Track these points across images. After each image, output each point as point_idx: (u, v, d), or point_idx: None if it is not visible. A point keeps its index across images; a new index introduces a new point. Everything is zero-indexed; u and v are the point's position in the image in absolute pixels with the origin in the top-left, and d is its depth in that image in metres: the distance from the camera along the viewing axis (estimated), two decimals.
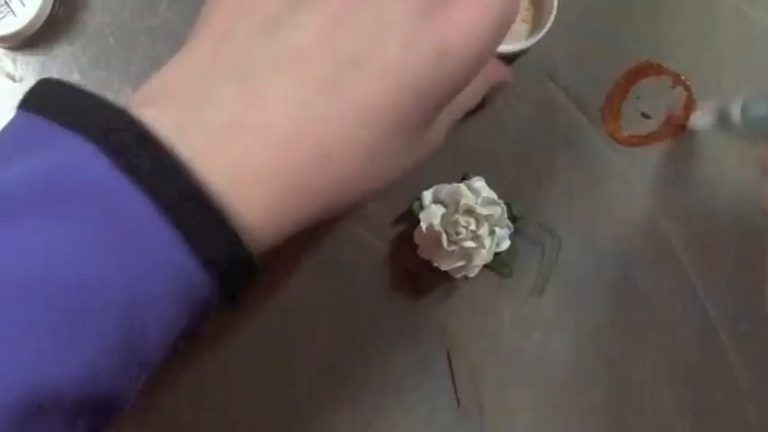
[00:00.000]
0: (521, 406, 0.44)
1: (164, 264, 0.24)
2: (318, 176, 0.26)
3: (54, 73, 0.42)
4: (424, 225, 0.41)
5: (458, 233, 0.40)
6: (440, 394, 0.43)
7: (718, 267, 0.45)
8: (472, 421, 0.44)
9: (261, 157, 0.26)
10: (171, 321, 0.25)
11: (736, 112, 0.38)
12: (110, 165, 0.24)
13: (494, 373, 0.44)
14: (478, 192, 0.42)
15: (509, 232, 0.43)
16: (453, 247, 0.40)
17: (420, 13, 0.27)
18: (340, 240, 0.43)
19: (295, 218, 0.27)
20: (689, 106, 0.45)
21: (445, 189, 0.42)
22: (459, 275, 0.42)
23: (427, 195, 0.42)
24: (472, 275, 0.42)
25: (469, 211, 0.41)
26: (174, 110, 0.26)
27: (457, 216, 0.41)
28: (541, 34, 0.42)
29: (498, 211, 0.41)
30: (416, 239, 0.42)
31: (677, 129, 0.45)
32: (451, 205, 0.41)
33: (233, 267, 0.26)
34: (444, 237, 0.40)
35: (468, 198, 0.41)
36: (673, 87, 0.45)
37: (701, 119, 0.43)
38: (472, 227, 0.40)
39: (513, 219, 0.43)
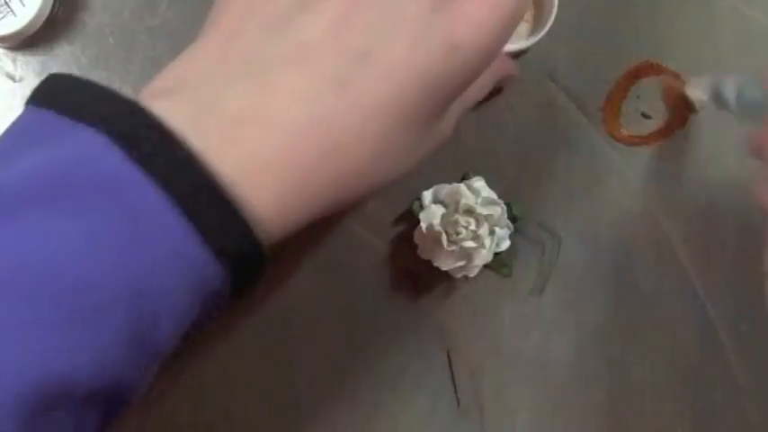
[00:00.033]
0: (521, 406, 0.44)
1: (176, 255, 0.24)
2: (327, 170, 0.27)
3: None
4: (424, 225, 0.41)
5: (458, 233, 0.40)
6: (440, 394, 0.43)
7: (718, 267, 0.46)
8: (472, 421, 0.44)
9: (271, 149, 0.26)
10: (182, 313, 0.25)
11: (730, 94, 0.38)
12: (122, 157, 0.24)
13: (494, 373, 0.44)
14: (478, 192, 0.42)
15: (509, 232, 0.43)
16: (453, 247, 0.40)
17: (431, 7, 0.27)
18: (340, 240, 0.43)
19: (304, 210, 0.27)
20: (686, 105, 0.45)
21: (445, 189, 0.42)
22: (459, 275, 0.42)
23: (427, 195, 0.42)
24: (472, 275, 0.42)
25: (469, 211, 0.41)
26: (186, 103, 0.26)
27: (457, 216, 0.41)
28: (542, 34, 0.42)
29: (498, 211, 0.41)
30: (416, 239, 0.42)
31: (676, 126, 0.45)
32: (451, 205, 0.41)
33: (245, 259, 0.26)
34: (444, 237, 0.40)
35: (468, 198, 0.41)
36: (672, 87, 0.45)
37: (694, 90, 0.43)
38: (472, 227, 0.40)
39: (513, 219, 0.43)
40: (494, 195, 0.42)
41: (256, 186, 0.26)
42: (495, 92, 0.44)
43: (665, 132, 0.45)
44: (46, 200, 0.24)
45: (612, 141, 0.45)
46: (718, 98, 0.39)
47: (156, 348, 0.25)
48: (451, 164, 0.44)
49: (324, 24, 0.27)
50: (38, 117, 0.26)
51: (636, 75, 0.45)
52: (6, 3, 0.39)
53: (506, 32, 0.28)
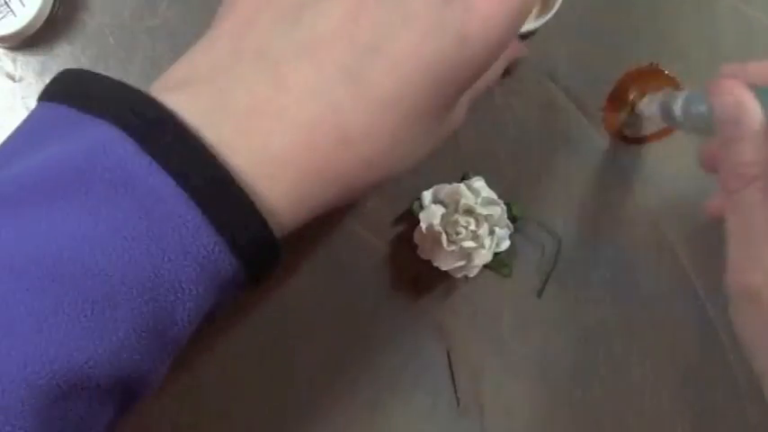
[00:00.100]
0: (521, 405, 0.44)
1: (191, 246, 0.25)
2: (338, 161, 0.27)
3: (54, 73, 0.42)
4: (424, 225, 0.41)
5: (458, 233, 0.40)
6: (439, 394, 0.43)
7: (718, 267, 0.45)
8: (472, 420, 0.44)
9: (282, 141, 0.26)
10: (197, 303, 0.26)
11: (678, 109, 0.38)
12: (136, 149, 0.24)
13: (494, 372, 0.44)
14: (478, 192, 0.42)
15: (509, 232, 0.43)
16: (453, 247, 0.40)
17: (442, 1, 0.27)
18: (340, 240, 0.43)
19: (316, 200, 0.28)
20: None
21: (445, 189, 0.42)
22: (459, 275, 0.42)
23: (427, 195, 0.42)
24: (472, 275, 0.42)
25: (469, 211, 0.41)
26: (200, 96, 0.26)
27: (457, 216, 0.41)
28: (550, 15, 0.42)
29: (498, 211, 0.41)
30: (416, 239, 0.42)
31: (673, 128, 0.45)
32: (451, 205, 0.41)
33: (258, 249, 0.26)
34: (444, 237, 0.40)
35: (467, 198, 0.41)
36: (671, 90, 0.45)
37: (646, 107, 0.43)
38: (472, 227, 0.41)
39: (513, 219, 0.43)
40: (494, 195, 0.42)
41: (269, 178, 0.26)
42: (504, 73, 0.44)
43: (665, 132, 0.45)
44: (61, 192, 0.24)
45: (613, 141, 0.45)
46: (666, 114, 0.39)
47: (171, 339, 0.26)
48: (451, 164, 0.44)
49: (335, 18, 0.27)
50: (51, 112, 0.26)
51: (637, 77, 0.45)
52: (6, 3, 0.39)
53: (516, 24, 0.28)
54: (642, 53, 0.46)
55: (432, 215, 0.41)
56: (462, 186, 0.41)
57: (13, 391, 0.22)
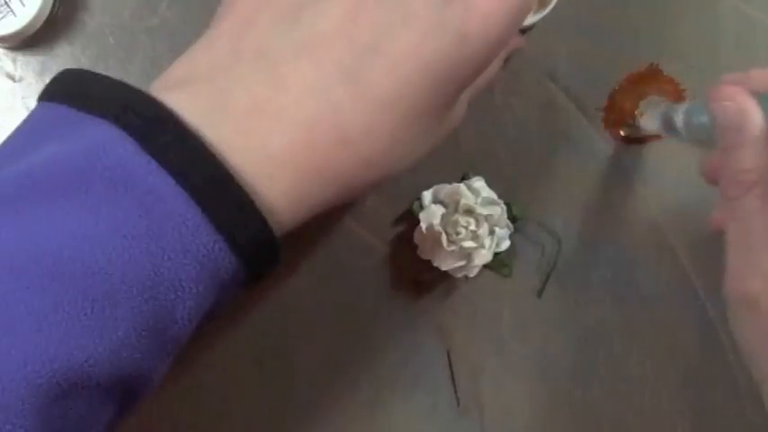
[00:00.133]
0: (521, 405, 0.44)
1: (191, 245, 0.25)
2: (337, 161, 0.27)
3: (54, 73, 0.42)
4: (424, 225, 0.41)
5: (458, 233, 0.40)
6: (440, 394, 0.43)
7: (718, 267, 0.45)
8: (472, 420, 0.44)
9: (282, 140, 0.26)
10: (197, 302, 0.26)
11: (678, 118, 0.38)
12: (136, 148, 0.24)
13: (494, 372, 0.44)
14: (478, 192, 0.42)
15: (509, 232, 0.43)
16: (453, 247, 0.40)
17: (442, 0, 0.27)
18: (340, 240, 0.43)
19: (315, 199, 0.28)
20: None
21: (445, 189, 0.42)
22: (459, 275, 0.42)
23: (427, 195, 0.42)
24: (472, 275, 0.42)
25: (469, 211, 0.41)
26: (199, 95, 0.27)
27: (457, 216, 0.41)
28: (548, 10, 0.42)
29: (498, 211, 0.41)
30: (416, 239, 0.42)
31: None
32: (451, 205, 0.41)
33: (258, 248, 0.26)
34: (444, 237, 0.40)
35: (467, 198, 0.41)
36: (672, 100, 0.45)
37: (647, 122, 0.43)
38: (472, 227, 0.41)
39: (513, 219, 0.43)
40: (494, 195, 0.42)
41: (268, 177, 0.26)
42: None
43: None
44: (61, 191, 0.24)
45: (612, 141, 0.45)
46: (668, 126, 0.39)
47: (171, 337, 0.26)
48: (451, 164, 0.44)
49: (334, 17, 0.27)
50: (51, 111, 0.26)
51: (637, 78, 0.45)
52: (6, 3, 0.39)
53: (516, 21, 0.28)
54: (642, 53, 0.46)
55: (432, 215, 0.41)
56: (462, 186, 0.41)
57: (13, 390, 0.22)
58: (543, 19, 0.42)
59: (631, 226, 0.46)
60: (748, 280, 0.32)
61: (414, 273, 0.43)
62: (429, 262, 0.42)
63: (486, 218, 0.41)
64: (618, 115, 0.45)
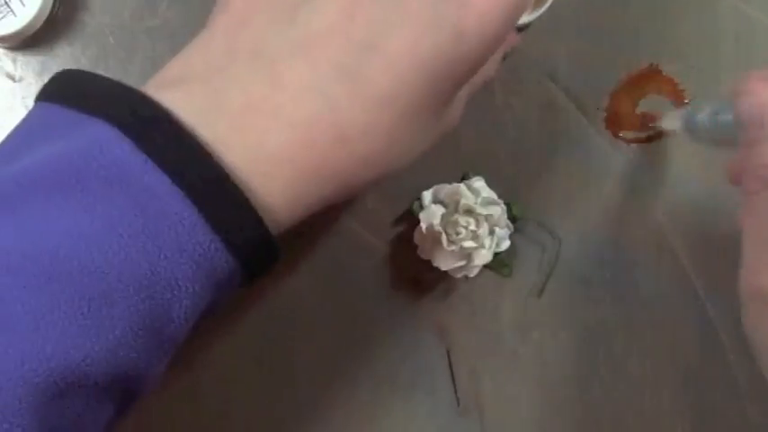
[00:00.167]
0: (521, 405, 0.44)
1: (187, 244, 0.25)
2: (335, 160, 0.27)
3: (54, 73, 0.42)
4: (424, 225, 0.41)
5: (458, 233, 0.40)
6: (440, 394, 0.43)
7: (718, 267, 0.45)
8: (472, 421, 0.44)
9: (279, 140, 0.26)
10: (194, 301, 0.26)
11: (703, 118, 0.38)
12: (132, 147, 0.24)
13: (494, 372, 0.44)
14: (478, 192, 0.42)
15: (509, 232, 0.43)
16: (453, 247, 0.40)
17: None
18: (340, 240, 0.43)
19: (313, 198, 0.28)
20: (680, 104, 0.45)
21: (445, 189, 0.42)
22: (459, 275, 0.42)
23: (427, 195, 0.42)
24: (472, 275, 0.42)
25: (469, 211, 0.41)
26: (195, 94, 0.26)
27: (457, 216, 0.41)
28: (545, 8, 0.41)
29: (498, 211, 0.41)
30: (416, 239, 0.42)
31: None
32: (451, 205, 0.41)
33: (254, 247, 0.26)
34: (444, 237, 0.40)
35: (467, 198, 0.41)
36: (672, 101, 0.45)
37: (670, 122, 0.43)
38: (472, 227, 0.41)
39: (513, 219, 0.43)
40: (494, 195, 0.42)
41: (265, 176, 0.26)
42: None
43: (665, 133, 0.45)
44: (57, 190, 0.24)
45: (612, 141, 0.45)
46: (691, 125, 0.39)
47: (168, 336, 0.26)
48: (451, 164, 0.44)
49: (330, 15, 0.27)
50: (48, 112, 0.26)
51: (638, 79, 0.45)
52: (6, 3, 0.39)
53: (512, 18, 0.28)
54: (642, 53, 0.46)
55: (432, 215, 0.41)
56: (462, 186, 0.41)
57: (10, 389, 0.22)
58: (541, 18, 0.42)
59: (631, 226, 0.46)
60: (763, 275, 0.32)
61: (414, 273, 0.43)
62: (429, 262, 0.42)
63: (486, 218, 0.41)
64: (618, 115, 0.45)
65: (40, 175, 0.24)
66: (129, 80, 0.27)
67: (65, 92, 0.26)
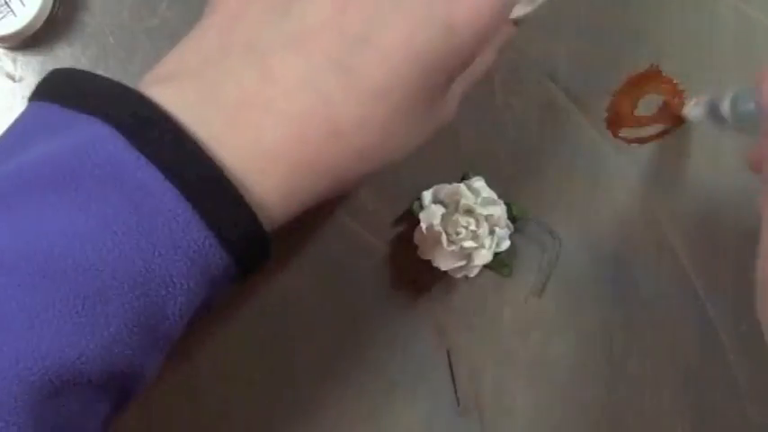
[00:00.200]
0: (521, 406, 0.44)
1: (181, 241, 0.25)
2: (329, 154, 0.27)
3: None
4: (424, 225, 0.41)
5: (458, 233, 0.40)
6: (440, 394, 0.43)
7: (718, 267, 0.45)
8: (472, 421, 0.44)
9: (272, 134, 0.26)
10: (188, 298, 0.26)
11: (725, 106, 0.38)
12: (125, 144, 0.24)
13: (494, 373, 0.44)
14: (478, 192, 0.42)
15: (509, 232, 0.43)
16: (453, 247, 0.40)
17: None
18: (340, 241, 0.43)
19: (307, 193, 0.28)
20: (679, 104, 0.44)
21: (445, 189, 0.42)
22: (459, 275, 0.42)
23: (427, 195, 0.42)
24: (472, 275, 0.42)
25: (469, 211, 0.41)
26: (188, 90, 0.26)
27: (457, 216, 0.41)
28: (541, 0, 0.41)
29: (498, 211, 0.41)
30: (416, 239, 0.42)
31: (674, 122, 0.45)
32: (451, 205, 0.41)
33: (249, 244, 0.26)
34: (444, 237, 0.40)
35: (467, 198, 0.41)
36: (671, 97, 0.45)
37: (693, 110, 0.43)
38: (472, 227, 0.41)
39: (513, 219, 0.43)
40: (494, 195, 0.42)
41: (259, 173, 0.26)
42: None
43: (666, 132, 0.45)
44: (51, 188, 0.24)
45: (613, 141, 0.45)
46: (715, 116, 0.39)
47: (163, 334, 0.26)
48: (451, 164, 0.44)
49: (323, 9, 0.27)
50: (41, 110, 0.26)
51: (638, 79, 0.45)
52: (6, 3, 0.39)
53: (503, 11, 0.29)
54: (642, 53, 0.46)
55: (432, 215, 0.41)
56: (462, 186, 0.41)
57: (5, 388, 0.22)
58: (541, 15, 0.42)
59: (631, 226, 0.46)
60: None
61: (414, 273, 0.43)
62: (429, 262, 0.42)
63: (486, 218, 0.41)
64: (618, 115, 0.45)
65: (34, 173, 0.24)
66: (129, 80, 0.27)
67: (58, 90, 0.26)
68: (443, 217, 0.41)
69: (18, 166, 0.25)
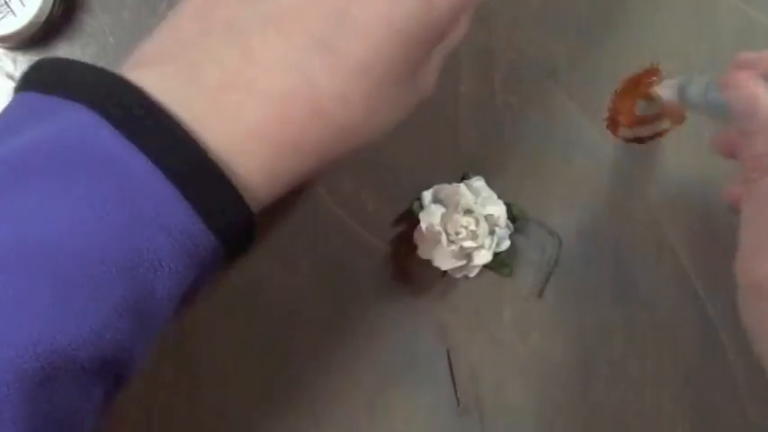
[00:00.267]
0: (521, 405, 0.44)
1: (168, 224, 0.25)
2: (313, 133, 0.27)
3: None
4: (424, 225, 0.41)
5: (458, 233, 0.40)
6: (440, 394, 0.43)
7: (718, 267, 0.45)
8: (472, 421, 0.44)
9: (255, 115, 0.26)
10: (177, 281, 0.26)
11: (695, 95, 0.38)
12: (110, 129, 0.25)
13: (494, 372, 0.44)
14: (478, 192, 0.42)
15: (509, 232, 0.43)
16: (453, 247, 0.40)
17: None
18: (340, 240, 0.43)
19: (292, 173, 0.28)
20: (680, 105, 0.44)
21: (445, 189, 0.42)
22: (459, 275, 0.42)
23: (427, 195, 0.42)
24: (472, 275, 0.42)
25: (469, 211, 0.41)
26: (170, 73, 0.26)
27: (457, 216, 0.41)
28: None
29: (498, 211, 0.41)
30: (416, 239, 0.42)
31: (673, 122, 0.45)
32: (451, 205, 0.41)
33: (236, 225, 0.26)
34: (444, 237, 0.40)
35: (467, 198, 0.41)
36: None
37: (663, 90, 0.43)
38: (472, 227, 0.41)
39: (513, 219, 0.43)
40: (494, 195, 0.42)
41: (243, 153, 0.26)
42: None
43: (665, 132, 0.45)
44: (35, 175, 0.24)
45: (613, 141, 0.45)
46: (684, 98, 0.39)
47: (153, 317, 0.26)
48: (451, 164, 0.44)
49: None
50: (25, 100, 0.26)
51: (638, 79, 0.45)
52: (6, 3, 0.39)
53: None
54: (642, 53, 0.46)
55: (432, 215, 0.41)
56: (462, 186, 0.41)
57: None
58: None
59: (631, 226, 0.46)
60: (759, 263, 0.32)
61: (414, 273, 0.43)
62: (429, 262, 0.42)
63: (486, 218, 0.41)
64: (619, 115, 0.45)
65: (19, 160, 0.24)
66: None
67: (41, 80, 0.26)
68: (443, 217, 0.41)
69: (3, 153, 0.24)
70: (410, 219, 0.43)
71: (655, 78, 0.45)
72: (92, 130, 0.24)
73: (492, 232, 0.41)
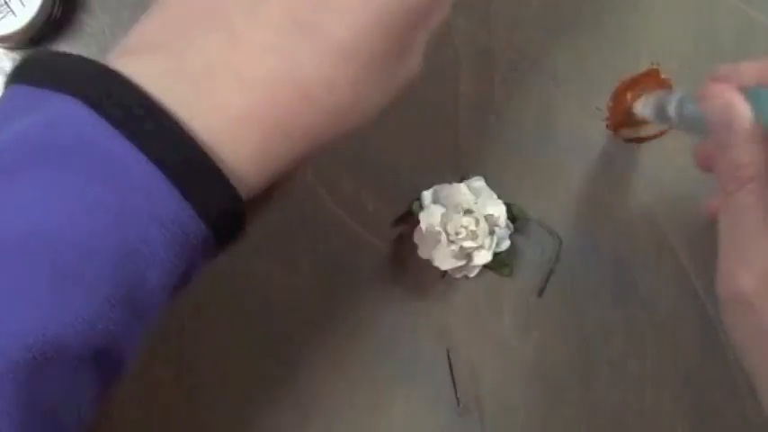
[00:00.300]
0: (521, 405, 0.44)
1: (158, 213, 0.25)
2: (302, 118, 0.27)
3: None
4: (424, 225, 0.41)
5: (457, 233, 0.40)
6: (440, 394, 0.43)
7: None
8: (472, 420, 0.44)
9: (242, 101, 0.26)
10: (168, 271, 0.25)
11: (671, 108, 0.38)
12: (98, 119, 0.24)
13: (494, 372, 0.44)
14: (478, 192, 0.42)
15: (509, 232, 0.43)
16: (453, 247, 0.40)
17: None
18: (340, 240, 0.43)
19: (281, 159, 0.27)
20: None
21: (445, 189, 0.42)
22: (459, 275, 0.42)
23: (427, 195, 0.42)
24: (472, 275, 0.42)
25: (469, 211, 0.41)
26: (155, 60, 0.26)
27: (457, 216, 0.41)
28: None
29: (498, 211, 0.41)
30: (416, 239, 0.42)
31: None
32: (451, 205, 0.41)
33: (226, 213, 0.26)
34: (444, 237, 0.40)
35: (467, 198, 0.41)
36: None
37: (642, 108, 0.43)
38: (472, 227, 0.41)
39: (513, 219, 0.43)
40: (494, 195, 0.42)
41: (231, 140, 0.26)
42: None
43: (665, 132, 0.45)
44: (23, 166, 0.24)
45: (613, 141, 0.45)
46: (661, 115, 0.39)
47: (145, 307, 0.26)
48: (451, 164, 0.44)
49: None
50: (14, 93, 0.26)
51: (638, 79, 0.45)
52: (6, 3, 0.39)
53: None
54: (642, 53, 0.46)
55: (432, 215, 0.41)
56: (462, 186, 0.41)
57: None
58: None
59: (631, 226, 0.46)
60: (739, 277, 0.32)
61: (414, 273, 0.43)
62: (429, 262, 0.42)
63: (486, 218, 0.41)
64: (618, 116, 0.45)
65: (8, 152, 0.24)
66: None
67: (29, 73, 0.27)
68: (443, 217, 0.41)
69: None
70: (410, 219, 0.43)
71: (642, 93, 0.45)
72: (77, 119, 0.24)
73: (492, 232, 0.41)
